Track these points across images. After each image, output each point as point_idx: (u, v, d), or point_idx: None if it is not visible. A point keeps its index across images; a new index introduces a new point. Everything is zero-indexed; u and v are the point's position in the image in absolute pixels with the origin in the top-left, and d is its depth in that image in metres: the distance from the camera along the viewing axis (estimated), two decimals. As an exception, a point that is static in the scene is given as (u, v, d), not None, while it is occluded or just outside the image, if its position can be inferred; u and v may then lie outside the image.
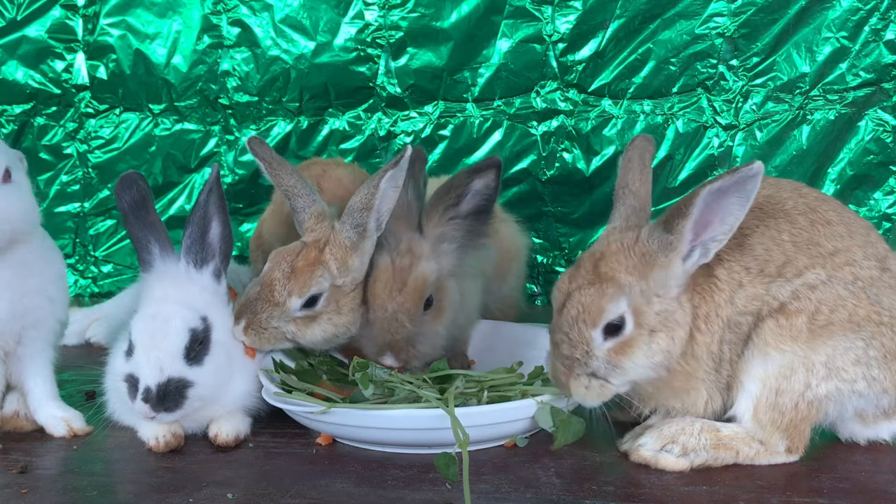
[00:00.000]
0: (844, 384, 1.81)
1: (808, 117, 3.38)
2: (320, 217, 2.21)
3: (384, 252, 2.23)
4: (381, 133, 3.59)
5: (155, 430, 2.00)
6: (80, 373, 2.31)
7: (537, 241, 3.59)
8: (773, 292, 1.82)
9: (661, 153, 3.47)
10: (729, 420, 1.90)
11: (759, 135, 3.42)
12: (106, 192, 3.65)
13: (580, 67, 3.43)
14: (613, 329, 1.76)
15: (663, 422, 1.90)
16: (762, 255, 1.84)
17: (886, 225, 3.39)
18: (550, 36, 3.41)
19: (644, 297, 1.76)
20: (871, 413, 1.89)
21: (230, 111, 3.57)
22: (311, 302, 2.15)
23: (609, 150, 3.48)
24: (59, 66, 3.56)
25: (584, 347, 1.77)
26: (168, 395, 1.93)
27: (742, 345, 1.85)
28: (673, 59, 3.38)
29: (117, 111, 3.62)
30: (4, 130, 3.59)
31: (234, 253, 2.27)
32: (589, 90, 3.46)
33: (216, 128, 3.60)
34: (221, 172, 3.54)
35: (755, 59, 3.35)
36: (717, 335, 1.84)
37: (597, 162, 3.49)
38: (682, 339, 1.79)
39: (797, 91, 3.36)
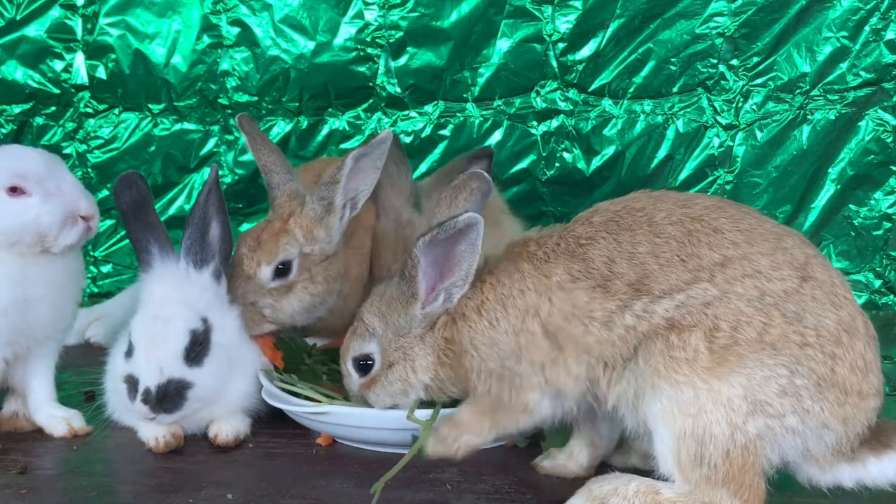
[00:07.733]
0: (773, 420, 1.52)
1: (809, 117, 3.37)
2: (292, 195, 2.28)
3: (386, 222, 2.48)
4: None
5: (155, 431, 2.00)
6: (79, 371, 2.31)
7: (537, 241, 3.58)
8: (640, 308, 1.59)
9: (662, 153, 3.46)
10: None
11: (759, 135, 3.41)
12: (105, 192, 3.63)
13: (580, 67, 3.43)
14: (363, 367, 1.88)
15: (594, 480, 1.65)
16: (600, 268, 1.63)
17: (887, 225, 3.39)
18: (550, 36, 3.41)
19: (386, 339, 1.84)
20: (820, 454, 1.58)
21: (230, 111, 3.56)
22: (283, 271, 2.20)
23: (609, 150, 3.47)
24: (58, 65, 3.55)
25: (348, 378, 1.93)
26: (167, 397, 1.93)
27: (622, 365, 1.62)
28: (673, 59, 3.37)
29: (116, 111, 3.61)
30: (4, 130, 3.58)
31: (233, 253, 2.27)
32: (589, 90, 3.46)
33: (216, 128, 3.60)
34: (221, 172, 3.53)
35: (755, 59, 3.35)
36: (525, 336, 1.66)
37: (597, 162, 3.49)
38: (424, 367, 1.81)
39: (797, 91, 3.36)
